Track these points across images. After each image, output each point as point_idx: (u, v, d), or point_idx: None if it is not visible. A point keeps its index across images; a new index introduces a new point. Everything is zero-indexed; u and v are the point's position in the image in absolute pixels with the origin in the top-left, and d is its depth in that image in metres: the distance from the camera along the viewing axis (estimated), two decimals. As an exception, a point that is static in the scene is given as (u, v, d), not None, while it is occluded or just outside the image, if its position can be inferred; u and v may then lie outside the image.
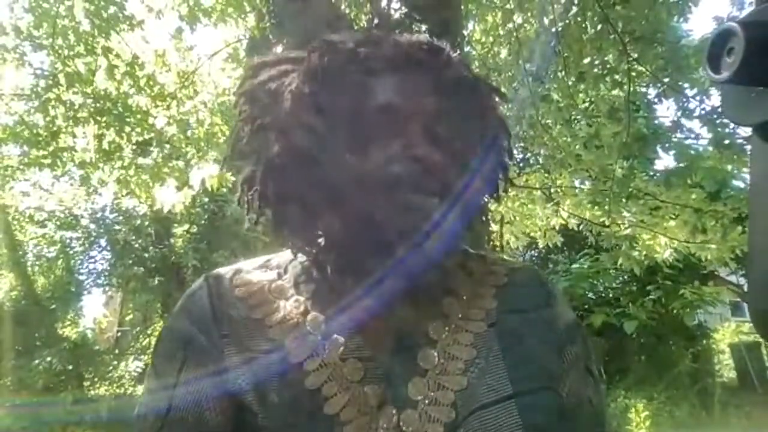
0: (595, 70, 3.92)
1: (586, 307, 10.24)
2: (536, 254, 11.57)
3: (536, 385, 0.55)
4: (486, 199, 0.66)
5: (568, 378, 0.58)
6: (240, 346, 0.56)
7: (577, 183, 4.91)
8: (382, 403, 0.52)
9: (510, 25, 4.13)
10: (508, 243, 5.61)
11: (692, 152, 3.75)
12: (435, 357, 0.55)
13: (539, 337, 0.59)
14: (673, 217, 4.41)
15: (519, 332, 0.58)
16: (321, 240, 0.61)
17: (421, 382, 0.53)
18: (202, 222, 11.66)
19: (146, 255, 11.77)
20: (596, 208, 4.51)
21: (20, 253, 11.42)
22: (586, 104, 4.38)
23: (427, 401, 0.52)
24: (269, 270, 0.63)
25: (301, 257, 0.63)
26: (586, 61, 3.96)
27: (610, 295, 10.09)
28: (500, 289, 0.62)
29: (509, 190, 0.66)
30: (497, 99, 0.66)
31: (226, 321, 0.58)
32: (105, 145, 3.93)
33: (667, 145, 3.77)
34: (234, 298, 0.59)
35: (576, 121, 4.73)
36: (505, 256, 0.69)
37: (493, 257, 0.68)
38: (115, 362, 11.49)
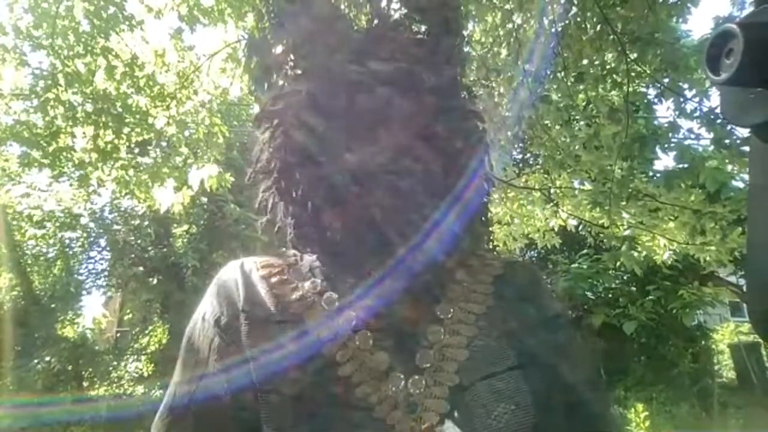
0: (592, 70, 3.92)
1: (586, 307, 10.24)
2: (536, 254, 11.58)
3: (538, 360, 0.59)
4: (486, 199, 0.67)
5: (566, 373, 0.60)
6: (262, 321, 0.59)
7: (576, 184, 4.90)
8: (390, 369, 0.56)
9: (510, 26, 4.13)
10: (505, 244, 5.61)
11: (694, 153, 3.74)
12: (441, 333, 0.58)
13: (534, 334, 0.61)
14: (672, 218, 4.40)
15: (514, 329, 0.61)
16: (324, 239, 0.63)
17: (428, 353, 0.57)
18: (202, 222, 11.65)
19: (146, 255, 11.76)
20: (596, 209, 4.50)
21: (19, 253, 11.40)
22: (584, 104, 4.37)
23: (433, 369, 0.56)
24: (287, 257, 0.68)
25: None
26: (585, 61, 3.96)
27: (610, 296, 10.10)
28: (497, 278, 0.65)
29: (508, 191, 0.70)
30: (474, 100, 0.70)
31: (251, 298, 0.61)
32: (101, 145, 3.93)
33: (666, 145, 3.76)
34: (258, 278, 0.63)
35: (575, 122, 4.73)
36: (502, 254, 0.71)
37: (489, 254, 0.71)
38: (115, 362, 11.48)
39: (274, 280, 0.63)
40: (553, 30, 3.74)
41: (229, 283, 0.63)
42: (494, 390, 0.54)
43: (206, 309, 0.63)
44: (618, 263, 4.93)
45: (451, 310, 0.60)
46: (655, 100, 4.64)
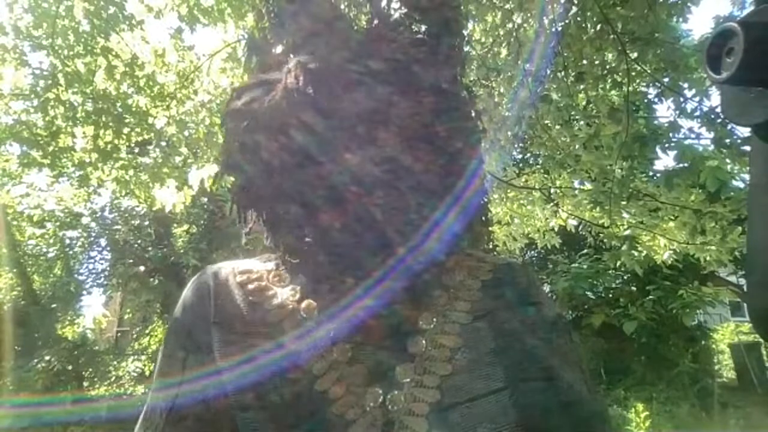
0: (592, 70, 3.92)
1: (586, 307, 10.25)
2: (536, 254, 11.58)
3: (533, 376, 0.55)
4: (486, 199, 0.66)
5: (564, 373, 0.58)
6: (236, 331, 0.57)
7: (576, 184, 4.90)
8: (368, 383, 0.53)
9: (510, 26, 4.13)
10: (505, 244, 5.62)
11: (694, 153, 3.73)
12: (423, 344, 0.56)
13: (532, 334, 0.59)
14: (673, 218, 4.41)
15: (512, 329, 0.59)
16: (316, 240, 0.61)
17: (408, 366, 0.55)
18: (202, 222, 11.66)
19: (146, 255, 11.76)
20: (596, 209, 4.51)
21: (19, 253, 11.40)
22: (584, 104, 4.38)
23: (413, 384, 0.53)
24: (269, 261, 0.66)
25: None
26: (586, 61, 3.96)
27: (610, 296, 10.11)
28: (486, 282, 0.63)
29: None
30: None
31: (224, 307, 0.59)
32: (101, 145, 3.93)
33: (667, 145, 3.75)
34: (234, 285, 0.62)
35: (575, 122, 4.73)
36: (493, 253, 0.69)
37: (478, 254, 0.68)
38: (115, 362, 11.48)
39: (251, 287, 0.61)
40: (553, 30, 3.74)
41: (202, 292, 0.61)
42: (475, 414, 0.51)
43: (177, 321, 0.62)
44: (618, 263, 4.93)
45: (434, 319, 0.58)
46: (655, 100, 4.63)
